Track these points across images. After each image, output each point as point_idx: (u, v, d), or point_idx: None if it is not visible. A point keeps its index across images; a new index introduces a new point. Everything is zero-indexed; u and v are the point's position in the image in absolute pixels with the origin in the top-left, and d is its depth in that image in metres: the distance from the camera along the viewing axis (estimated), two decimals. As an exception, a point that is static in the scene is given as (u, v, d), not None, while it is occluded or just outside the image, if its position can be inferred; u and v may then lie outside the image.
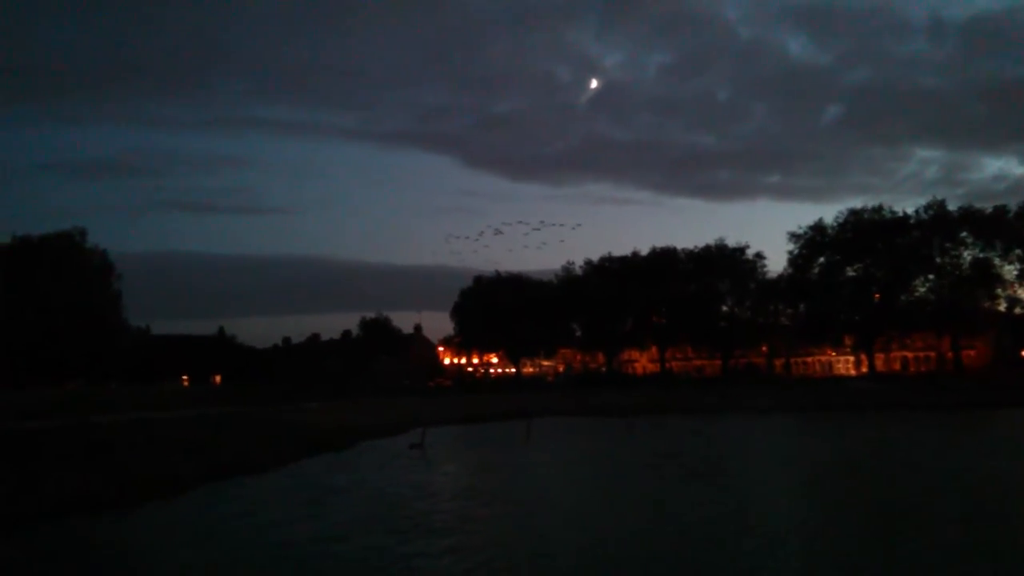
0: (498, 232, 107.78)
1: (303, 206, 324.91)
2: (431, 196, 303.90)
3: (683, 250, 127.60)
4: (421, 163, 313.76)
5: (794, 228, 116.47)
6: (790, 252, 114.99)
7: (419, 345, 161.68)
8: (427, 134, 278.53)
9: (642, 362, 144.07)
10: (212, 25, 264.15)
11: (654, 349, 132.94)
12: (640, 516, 23.72)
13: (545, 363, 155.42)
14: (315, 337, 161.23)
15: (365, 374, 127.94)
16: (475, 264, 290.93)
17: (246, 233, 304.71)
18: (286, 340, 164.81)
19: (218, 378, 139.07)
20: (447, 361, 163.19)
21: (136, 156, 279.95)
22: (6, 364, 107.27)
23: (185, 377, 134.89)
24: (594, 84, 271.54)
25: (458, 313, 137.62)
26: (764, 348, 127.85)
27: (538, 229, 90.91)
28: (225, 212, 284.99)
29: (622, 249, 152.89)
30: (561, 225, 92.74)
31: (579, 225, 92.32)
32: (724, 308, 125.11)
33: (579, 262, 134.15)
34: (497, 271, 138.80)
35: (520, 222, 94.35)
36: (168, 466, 32.78)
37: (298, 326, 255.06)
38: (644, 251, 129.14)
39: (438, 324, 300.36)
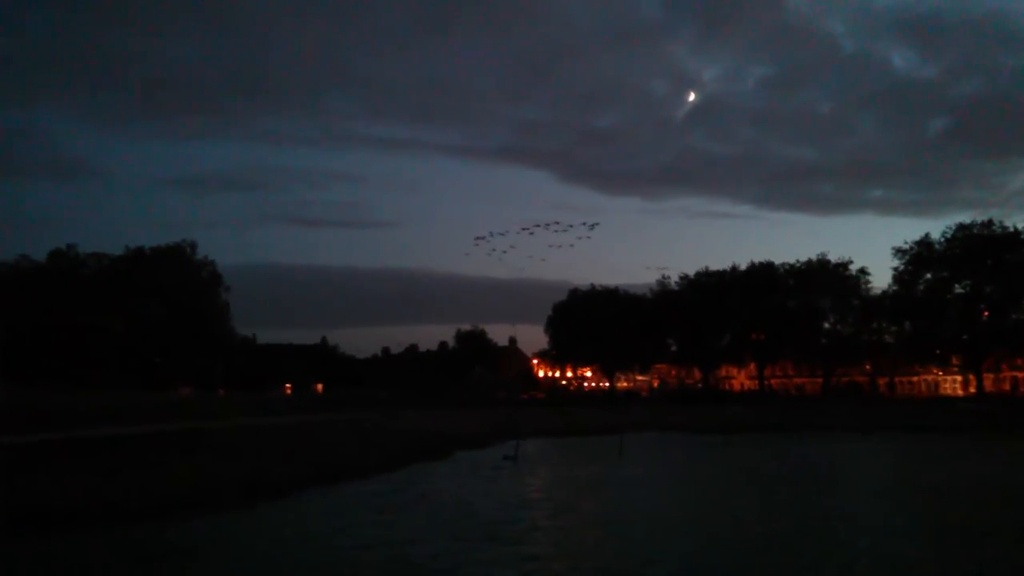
0: (527, 230, 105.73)
1: (406, 220, 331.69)
2: (528, 210, 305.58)
3: (783, 265, 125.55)
4: (520, 178, 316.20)
5: (899, 243, 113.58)
6: (895, 268, 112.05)
7: (514, 358, 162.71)
8: (526, 149, 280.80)
9: (740, 379, 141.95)
10: (323, 46, 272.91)
11: (752, 365, 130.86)
12: (725, 537, 23.78)
13: (640, 378, 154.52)
14: (413, 348, 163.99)
15: (461, 385, 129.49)
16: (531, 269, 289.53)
17: (351, 246, 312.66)
18: (385, 350, 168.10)
19: (320, 386, 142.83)
20: (541, 374, 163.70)
21: (249, 171, 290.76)
22: (123, 370, 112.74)
23: (288, 385, 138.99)
24: (692, 98, 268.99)
25: (552, 326, 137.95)
26: (867, 366, 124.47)
27: (565, 231, 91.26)
28: (332, 226, 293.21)
29: (719, 263, 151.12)
30: (584, 224, 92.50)
31: (597, 224, 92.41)
32: (826, 325, 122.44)
33: (660, 275, 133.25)
34: (592, 284, 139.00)
35: (552, 223, 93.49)
36: (274, 471, 34.22)
37: (397, 337, 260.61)
38: (743, 265, 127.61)
39: (533, 337, 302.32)
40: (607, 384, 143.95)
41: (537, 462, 45.85)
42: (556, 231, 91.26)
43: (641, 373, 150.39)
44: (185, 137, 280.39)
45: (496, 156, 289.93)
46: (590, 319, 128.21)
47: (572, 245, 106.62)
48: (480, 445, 54.51)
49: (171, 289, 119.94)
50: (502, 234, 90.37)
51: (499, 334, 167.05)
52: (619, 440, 53.81)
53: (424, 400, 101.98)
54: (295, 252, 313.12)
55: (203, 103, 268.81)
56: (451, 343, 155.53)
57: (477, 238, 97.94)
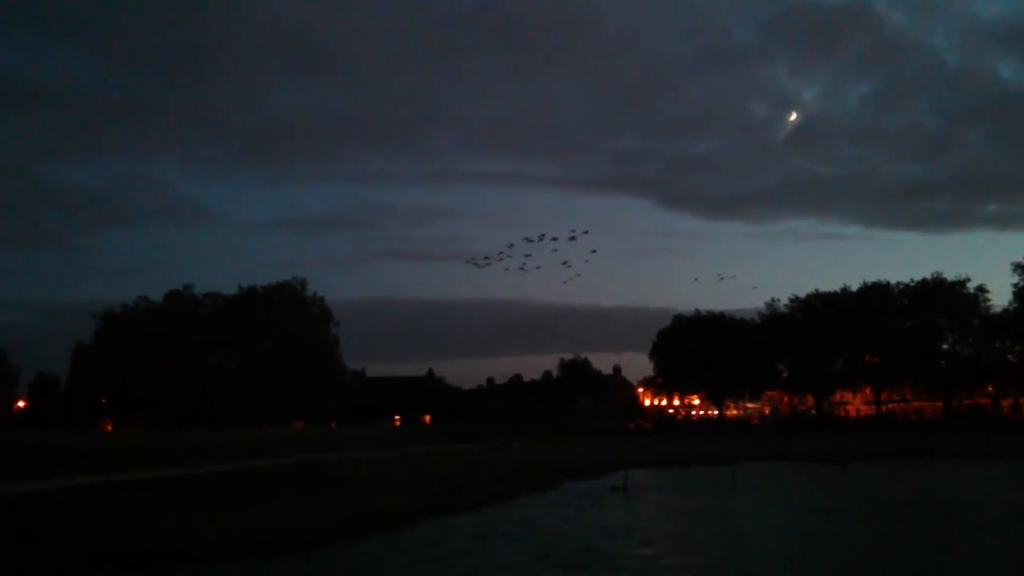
0: (511, 246, 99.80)
1: (510, 252, 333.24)
2: (629, 239, 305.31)
3: (897, 285, 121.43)
4: (619, 207, 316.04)
5: (1018, 258, 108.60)
6: (1015, 284, 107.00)
7: (618, 386, 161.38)
8: (624, 178, 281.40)
9: (855, 404, 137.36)
10: (423, 88, 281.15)
11: (868, 390, 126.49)
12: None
13: (750, 405, 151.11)
14: (517, 378, 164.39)
15: (566, 415, 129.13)
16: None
17: (455, 279, 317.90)
18: (490, 381, 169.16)
19: (428, 418, 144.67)
20: (647, 403, 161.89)
21: (355, 210, 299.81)
22: (238, 406, 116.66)
23: (398, 417, 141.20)
24: (793, 118, 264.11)
25: (657, 354, 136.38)
26: (990, 388, 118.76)
27: (555, 238, 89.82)
28: (436, 260, 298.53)
29: (829, 285, 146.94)
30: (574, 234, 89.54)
31: (586, 232, 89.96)
32: (944, 346, 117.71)
33: (768, 299, 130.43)
34: (697, 310, 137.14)
35: (542, 237, 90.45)
36: (386, 503, 34.83)
37: (501, 367, 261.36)
38: (854, 286, 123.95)
39: (637, 365, 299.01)
40: (716, 412, 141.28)
41: (646, 492, 45.34)
42: (549, 243, 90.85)
43: (751, 400, 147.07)
44: (294, 180, 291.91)
45: (595, 186, 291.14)
46: (696, 345, 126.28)
47: (587, 261, 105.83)
48: (588, 475, 54.16)
49: (283, 326, 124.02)
50: (509, 255, 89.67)
51: (603, 363, 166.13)
52: (730, 470, 52.76)
53: (529, 430, 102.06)
54: (401, 287, 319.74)
55: (310, 148, 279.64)
56: (555, 373, 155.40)
57: (478, 259, 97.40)
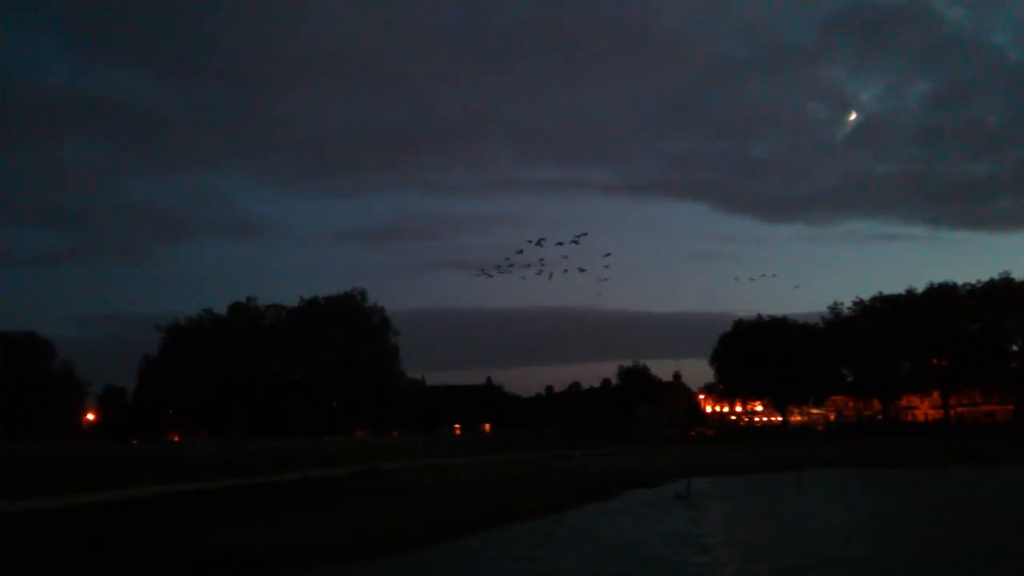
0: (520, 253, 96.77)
1: (567, 259, 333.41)
2: (687, 243, 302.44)
3: (964, 286, 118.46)
4: (676, 211, 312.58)
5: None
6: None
7: (678, 393, 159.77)
8: (681, 182, 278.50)
9: (923, 408, 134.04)
10: (479, 98, 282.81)
11: (936, 394, 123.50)
12: None
13: (814, 411, 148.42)
14: (576, 386, 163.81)
15: (625, 422, 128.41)
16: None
17: (514, 288, 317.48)
18: (548, 388, 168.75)
19: (487, 426, 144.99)
20: (708, 409, 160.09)
21: (413, 221, 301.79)
22: (301, 416, 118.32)
23: (457, 426, 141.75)
24: (852, 118, 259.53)
25: (718, 359, 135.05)
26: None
27: (576, 242, 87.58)
28: (494, 269, 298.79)
29: (893, 288, 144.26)
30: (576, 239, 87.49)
31: (585, 234, 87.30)
32: (1014, 347, 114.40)
33: (817, 303, 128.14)
34: (758, 314, 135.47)
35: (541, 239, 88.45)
36: (448, 512, 34.98)
37: (560, 375, 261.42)
38: (919, 288, 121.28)
39: (698, 371, 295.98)
40: (779, 418, 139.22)
41: (709, 500, 44.85)
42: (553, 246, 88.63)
43: (815, 406, 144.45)
44: (354, 192, 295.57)
45: (652, 191, 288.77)
46: (758, 351, 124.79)
47: (607, 267, 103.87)
48: (649, 484, 53.72)
49: (343, 336, 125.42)
50: (524, 263, 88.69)
51: (662, 369, 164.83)
52: (795, 476, 51.96)
53: (588, 438, 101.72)
54: (460, 296, 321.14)
55: (370, 160, 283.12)
56: (614, 380, 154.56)
57: (488, 269, 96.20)
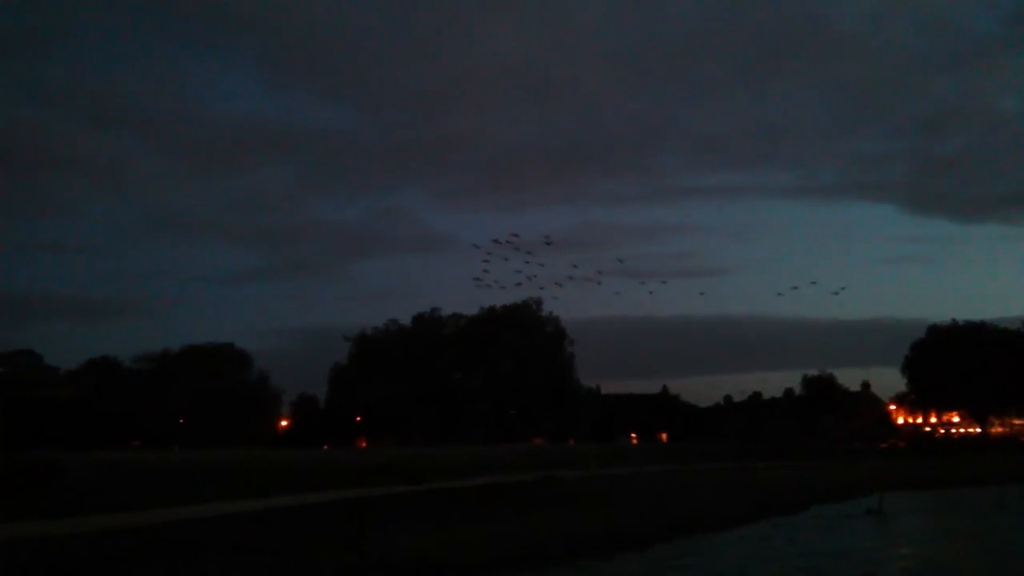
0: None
1: (744, 266, 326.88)
2: (873, 247, 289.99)
3: None
4: (860, 214, 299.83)
5: None
6: None
7: (867, 404, 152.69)
8: (864, 183, 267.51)
9: None
10: (649, 106, 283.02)
11: None
12: None
13: (1017, 422, 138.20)
14: (756, 396, 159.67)
15: (810, 434, 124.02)
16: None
17: (688, 296, 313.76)
18: (727, 399, 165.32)
19: (664, 436, 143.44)
20: (899, 420, 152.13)
21: (586, 231, 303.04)
22: (480, 423, 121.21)
23: (633, 435, 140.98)
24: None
25: (910, 368, 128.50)
26: None
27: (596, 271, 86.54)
28: (668, 277, 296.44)
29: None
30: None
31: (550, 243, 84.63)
32: None
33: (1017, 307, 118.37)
34: (953, 320, 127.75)
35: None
36: (628, 522, 34.98)
37: (739, 384, 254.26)
38: None
39: (888, 381, 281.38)
40: (978, 430, 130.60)
41: (904, 516, 42.72)
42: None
43: (1019, 416, 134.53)
44: (527, 204, 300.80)
45: (834, 193, 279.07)
46: (954, 359, 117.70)
47: (562, 281, 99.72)
48: (838, 498, 51.75)
49: (520, 345, 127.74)
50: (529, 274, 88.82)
51: (850, 379, 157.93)
52: (999, 491, 48.71)
53: (771, 450, 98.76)
54: (633, 305, 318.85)
55: (542, 173, 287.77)
56: (797, 390, 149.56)
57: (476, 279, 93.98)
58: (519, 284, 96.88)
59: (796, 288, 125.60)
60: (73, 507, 32.31)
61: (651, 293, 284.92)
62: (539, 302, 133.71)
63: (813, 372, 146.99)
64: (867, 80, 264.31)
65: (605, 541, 30.93)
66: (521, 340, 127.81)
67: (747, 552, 30.26)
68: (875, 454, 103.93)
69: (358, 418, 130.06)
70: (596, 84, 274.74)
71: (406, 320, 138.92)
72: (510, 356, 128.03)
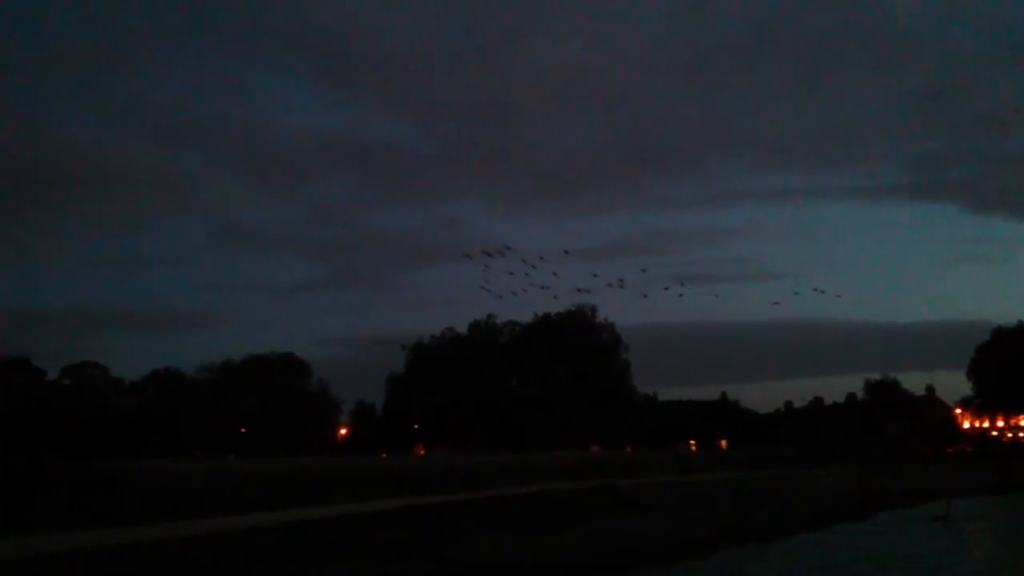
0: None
1: (802, 269, 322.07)
2: (937, 248, 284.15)
3: None
4: (922, 214, 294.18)
5: None
6: None
7: (932, 408, 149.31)
8: (926, 183, 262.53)
9: None
10: (704, 111, 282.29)
11: None
12: None
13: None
14: (818, 401, 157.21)
15: (873, 439, 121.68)
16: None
17: (745, 300, 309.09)
18: (788, 404, 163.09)
19: (723, 442, 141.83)
20: (965, 425, 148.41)
21: (640, 236, 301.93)
22: (536, 430, 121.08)
23: (692, 441, 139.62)
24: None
25: (976, 371, 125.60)
26: None
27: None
28: (726, 281, 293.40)
29: None
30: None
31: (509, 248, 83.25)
32: None
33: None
34: (1020, 321, 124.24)
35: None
36: (688, 529, 34.67)
37: (800, 390, 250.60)
38: None
39: (953, 384, 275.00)
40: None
41: (972, 523, 41.68)
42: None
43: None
44: (583, 211, 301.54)
45: (895, 194, 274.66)
46: (1021, 361, 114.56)
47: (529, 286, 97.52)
48: (904, 504, 50.81)
49: (575, 352, 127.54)
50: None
51: (913, 383, 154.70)
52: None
53: (833, 456, 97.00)
54: (689, 310, 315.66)
55: (597, 179, 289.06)
56: (860, 395, 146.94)
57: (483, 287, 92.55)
58: (515, 293, 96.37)
59: (797, 294, 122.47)
60: (137, 516, 32.93)
61: (717, 296, 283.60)
62: (593, 309, 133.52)
63: (876, 376, 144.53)
64: (928, 80, 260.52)
65: (665, 549, 30.65)
66: (576, 347, 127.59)
67: (810, 558, 29.77)
68: (941, 459, 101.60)
69: (415, 426, 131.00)
70: (654, 89, 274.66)
71: (463, 329, 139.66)
72: (565, 363, 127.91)
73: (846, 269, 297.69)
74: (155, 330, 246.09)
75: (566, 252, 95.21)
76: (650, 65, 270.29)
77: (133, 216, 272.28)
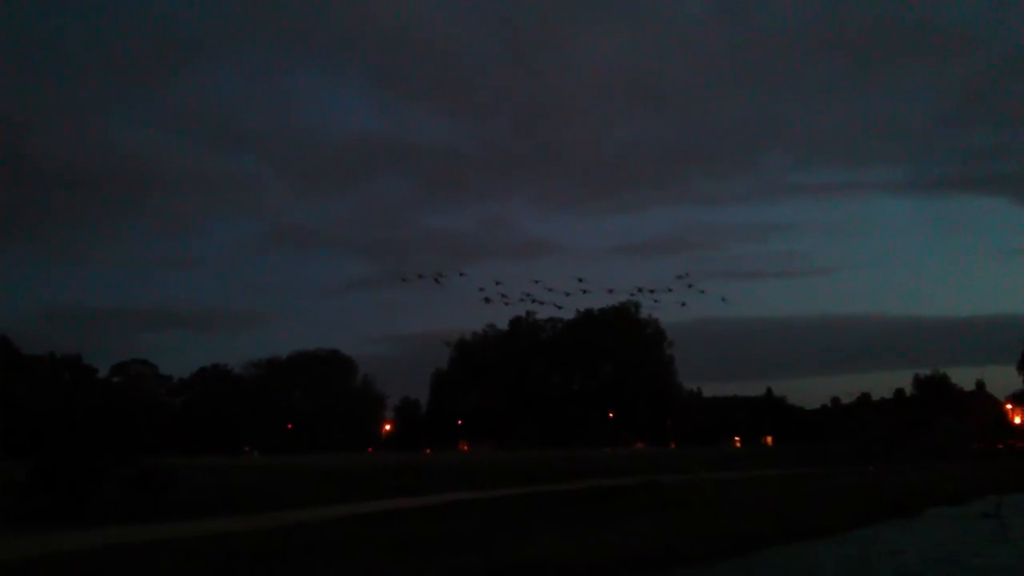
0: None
1: (852, 264, 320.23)
2: (987, 242, 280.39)
3: None
4: (973, 208, 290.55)
5: None
6: None
7: (983, 403, 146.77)
8: (977, 177, 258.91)
9: None
10: (754, 107, 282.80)
11: None
12: None
13: None
14: (865, 397, 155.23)
15: (922, 435, 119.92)
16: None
17: (792, 296, 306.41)
18: (835, 400, 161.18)
19: (769, 439, 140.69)
20: (1017, 420, 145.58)
21: (689, 232, 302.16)
22: (581, 426, 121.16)
23: (737, 438, 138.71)
24: None
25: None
26: None
27: None
28: (772, 277, 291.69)
29: None
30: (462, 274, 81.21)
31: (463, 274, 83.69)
32: None
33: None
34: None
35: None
36: (732, 526, 34.56)
37: (847, 386, 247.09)
38: None
39: (1004, 379, 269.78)
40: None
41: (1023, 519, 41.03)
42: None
43: None
44: (631, 208, 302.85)
45: (944, 188, 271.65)
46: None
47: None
48: (955, 501, 50.10)
49: (619, 348, 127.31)
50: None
51: (963, 378, 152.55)
52: None
53: (882, 452, 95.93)
54: (735, 305, 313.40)
55: (645, 176, 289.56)
56: (908, 390, 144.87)
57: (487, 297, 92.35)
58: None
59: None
60: (186, 511, 33.77)
61: (760, 292, 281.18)
62: (637, 305, 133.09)
63: (925, 372, 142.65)
64: (979, 73, 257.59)
65: (710, 546, 30.59)
66: (620, 343, 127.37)
67: (857, 556, 29.62)
68: (992, 455, 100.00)
69: (459, 422, 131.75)
70: (701, 84, 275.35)
71: (503, 325, 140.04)
72: (609, 359, 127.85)
73: (895, 264, 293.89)
74: (205, 329, 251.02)
75: (579, 279, 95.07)
76: (697, 61, 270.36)
77: (188, 219, 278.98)
